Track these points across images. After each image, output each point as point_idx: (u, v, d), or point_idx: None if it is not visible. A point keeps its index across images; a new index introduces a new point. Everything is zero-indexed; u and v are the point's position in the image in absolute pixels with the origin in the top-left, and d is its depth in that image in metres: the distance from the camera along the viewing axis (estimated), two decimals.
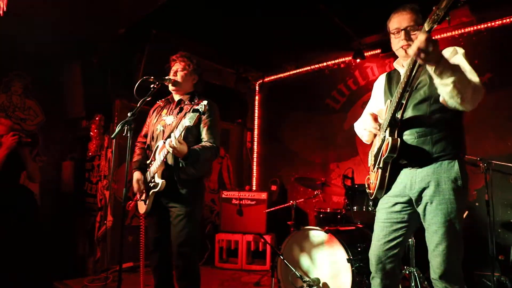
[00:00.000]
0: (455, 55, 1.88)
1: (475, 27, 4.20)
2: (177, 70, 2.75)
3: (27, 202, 3.55)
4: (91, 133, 4.71)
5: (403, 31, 1.94)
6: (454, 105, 1.74)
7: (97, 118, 4.66)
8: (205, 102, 2.32)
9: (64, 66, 4.62)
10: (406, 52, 1.96)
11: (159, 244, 2.70)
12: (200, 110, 2.29)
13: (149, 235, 2.76)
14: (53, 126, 4.84)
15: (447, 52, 1.91)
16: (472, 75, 1.78)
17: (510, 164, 3.53)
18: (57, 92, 4.74)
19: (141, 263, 3.09)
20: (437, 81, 1.71)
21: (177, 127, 2.40)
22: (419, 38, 1.61)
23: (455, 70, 1.67)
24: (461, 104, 1.72)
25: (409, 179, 1.92)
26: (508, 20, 4.00)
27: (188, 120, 2.26)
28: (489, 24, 4.12)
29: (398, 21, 1.98)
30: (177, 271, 2.58)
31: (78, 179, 5.00)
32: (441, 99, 1.80)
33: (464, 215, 1.90)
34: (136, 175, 2.75)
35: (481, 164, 3.48)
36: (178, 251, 2.55)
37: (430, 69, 1.69)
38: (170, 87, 2.76)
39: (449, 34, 4.36)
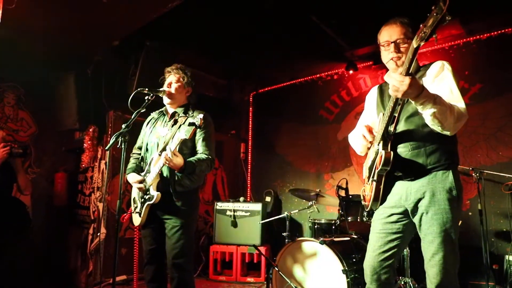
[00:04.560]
0: (442, 73, 1.92)
1: (465, 39, 4.28)
2: (171, 82, 2.77)
3: (19, 214, 3.50)
4: (84, 144, 4.68)
5: (392, 44, 1.98)
6: (437, 131, 1.81)
7: (90, 130, 4.64)
8: (201, 116, 2.34)
9: (57, 77, 4.61)
10: (396, 64, 1.99)
11: (154, 257, 2.68)
12: (197, 123, 2.30)
13: (144, 248, 2.74)
14: (46, 138, 4.80)
15: (435, 67, 1.95)
16: (458, 100, 1.83)
17: (502, 174, 3.57)
18: (50, 103, 4.71)
19: (134, 276, 3.05)
20: (419, 110, 1.78)
21: (172, 140, 2.41)
22: (395, 77, 1.68)
23: (436, 101, 1.72)
24: (442, 131, 1.79)
25: (404, 190, 1.94)
26: (495, 32, 4.09)
27: (184, 133, 2.27)
28: (477, 36, 4.20)
29: (388, 34, 2.01)
30: (172, 284, 2.56)
31: (71, 191, 4.96)
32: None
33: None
34: (131, 175, 2.74)
35: (473, 174, 3.54)
36: (173, 263, 2.54)
37: (412, 101, 1.75)
38: (165, 100, 2.77)
39: (439, 46, 4.43)
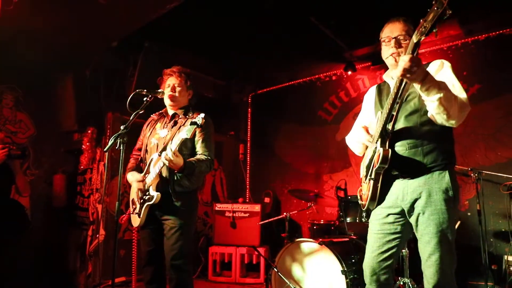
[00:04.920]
0: (442, 69, 1.92)
1: (463, 40, 4.29)
2: (174, 85, 2.75)
3: (17, 216, 3.49)
4: (83, 146, 4.68)
5: (393, 39, 1.98)
6: (441, 121, 1.79)
7: (89, 131, 4.63)
8: (202, 115, 2.34)
9: (56, 78, 4.60)
10: (395, 60, 1.99)
11: (152, 258, 2.68)
12: (198, 122, 2.30)
13: (142, 249, 2.73)
14: (44, 139, 4.79)
15: (434, 65, 1.96)
16: (460, 92, 1.83)
17: (500, 174, 3.58)
18: (49, 105, 4.70)
19: (133, 278, 3.05)
20: (424, 97, 1.76)
21: (172, 140, 2.41)
22: (403, 58, 1.67)
23: (441, 87, 1.72)
24: (447, 120, 1.77)
25: (401, 190, 1.94)
26: (493, 33, 4.09)
27: (185, 133, 2.27)
28: (476, 37, 4.21)
29: (390, 30, 2.03)
30: (170, 285, 2.56)
31: (69, 193, 4.95)
32: (429, 115, 1.85)
33: (456, 225, 1.92)
34: (130, 173, 2.75)
35: (472, 174, 3.54)
36: (171, 264, 2.53)
37: (417, 86, 1.74)
38: (167, 102, 2.76)
39: (437, 46, 4.44)
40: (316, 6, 3.76)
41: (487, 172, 3.62)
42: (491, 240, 3.84)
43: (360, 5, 3.69)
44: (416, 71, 1.66)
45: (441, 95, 1.70)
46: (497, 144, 3.97)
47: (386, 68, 2.16)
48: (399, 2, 3.16)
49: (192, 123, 2.30)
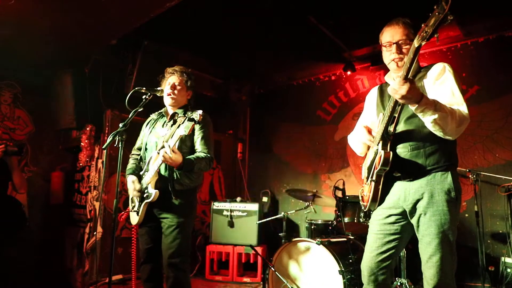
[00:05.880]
0: (444, 75, 1.91)
1: (462, 41, 4.29)
2: (175, 84, 2.74)
3: (14, 213, 3.49)
4: (81, 143, 4.67)
5: (395, 45, 1.96)
6: (438, 135, 1.81)
7: (88, 129, 4.62)
8: (200, 111, 2.33)
9: (55, 76, 4.59)
10: (397, 65, 1.98)
11: (151, 256, 2.67)
12: (196, 119, 2.29)
13: (140, 247, 2.73)
14: (43, 137, 4.79)
15: (436, 69, 1.94)
16: (460, 102, 1.83)
17: (498, 175, 3.59)
18: (48, 102, 4.69)
19: (133, 275, 3.05)
20: (419, 116, 1.78)
21: (171, 138, 2.40)
22: (396, 81, 1.68)
23: (437, 108, 1.72)
24: (444, 136, 1.79)
25: (402, 191, 1.94)
26: (493, 34, 4.10)
27: (183, 130, 2.26)
28: (475, 38, 4.22)
29: (390, 34, 2.00)
30: (167, 283, 2.55)
31: (67, 190, 4.94)
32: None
33: None
34: (130, 177, 2.72)
35: (470, 176, 3.55)
36: (168, 262, 2.53)
37: (412, 107, 1.75)
38: (167, 101, 2.75)
39: (437, 48, 4.44)
40: (315, 6, 3.76)
41: (485, 173, 3.63)
42: (489, 241, 3.86)
43: (359, 6, 3.68)
44: (409, 94, 1.66)
45: (436, 116, 1.71)
46: (495, 145, 3.98)
47: (385, 68, 2.16)
48: (399, 2, 3.16)
49: (190, 119, 2.29)
